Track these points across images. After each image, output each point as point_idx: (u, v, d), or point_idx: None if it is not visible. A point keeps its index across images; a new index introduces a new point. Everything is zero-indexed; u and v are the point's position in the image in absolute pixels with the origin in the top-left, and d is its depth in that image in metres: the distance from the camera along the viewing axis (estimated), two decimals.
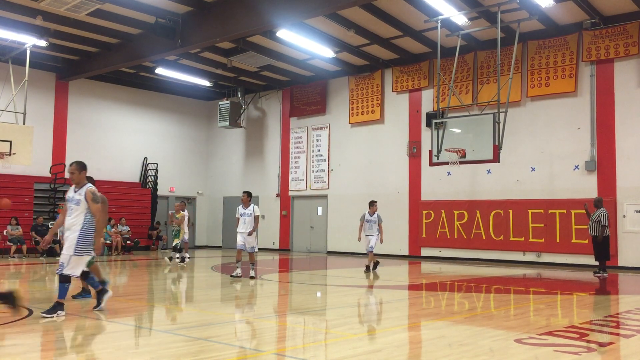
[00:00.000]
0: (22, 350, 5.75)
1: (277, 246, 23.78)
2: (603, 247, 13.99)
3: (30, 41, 17.31)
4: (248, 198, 12.78)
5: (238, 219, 12.76)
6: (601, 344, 6.14)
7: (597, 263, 14.22)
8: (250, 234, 12.46)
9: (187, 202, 20.08)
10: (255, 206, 12.77)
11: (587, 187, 16.57)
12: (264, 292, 11.40)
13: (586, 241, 16.21)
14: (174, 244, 16.79)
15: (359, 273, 13.87)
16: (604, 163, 16.41)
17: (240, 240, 12.67)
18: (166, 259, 17.35)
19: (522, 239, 17.51)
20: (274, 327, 7.30)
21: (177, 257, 16.73)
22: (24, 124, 17.59)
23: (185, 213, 18.67)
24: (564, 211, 16.74)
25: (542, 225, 17.17)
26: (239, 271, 12.68)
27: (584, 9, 15.64)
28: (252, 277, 12.48)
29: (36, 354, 5.75)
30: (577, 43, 16.89)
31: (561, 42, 17.11)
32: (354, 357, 5.45)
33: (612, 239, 15.86)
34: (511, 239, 17.74)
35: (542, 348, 5.89)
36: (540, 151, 17.47)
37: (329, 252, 22.08)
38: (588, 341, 6.30)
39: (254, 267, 12.71)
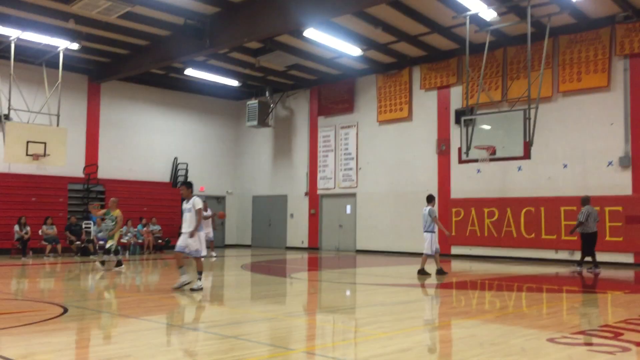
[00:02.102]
0: (56, 348, 5.87)
1: (306, 245, 23.85)
2: (586, 244, 14.29)
3: (63, 44, 17.67)
4: (188, 190, 10.32)
5: None
6: (637, 344, 6.01)
7: (589, 259, 14.41)
8: (192, 234, 10.02)
9: (217, 201, 20.19)
10: (197, 198, 10.24)
11: (621, 183, 16.24)
12: (293, 290, 11.44)
13: (621, 239, 15.98)
14: (107, 246, 14.13)
15: (388, 271, 13.78)
16: (638, 159, 16.05)
17: (180, 241, 10.26)
18: (97, 263, 14.54)
19: (555, 237, 17.23)
20: (303, 326, 7.33)
21: (112, 260, 14.43)
22: (57, 125, 17.97)
23: (209, 212, 18.85)
24: (598, 208, 16.31)
25: (575, 222, 16.86)
26: (184, 278, 10.18)
27: (617, 2, 15.32)
28: (192, 289, 10.03)
29: (70, 351, 5.86)
30: (610, 37, 16.54)
31: (593, 36, 16.78)
32: (383, 355, 5.44)
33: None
34: (543, 236, 17.47)
35: (575, 347, 5.80)
36: (573, 147, 17.17)
37: (358, 251, 22.06)
38: (623, 340, 6.18)
39: (200, 277, 10.23)
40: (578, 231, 14.42)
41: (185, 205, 10.21)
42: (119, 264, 13.98)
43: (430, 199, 13.26)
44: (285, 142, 25.08)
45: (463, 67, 18.47)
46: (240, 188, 26.77)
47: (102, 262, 14.38)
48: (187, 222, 10.10)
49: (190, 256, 10.21)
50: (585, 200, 14.60)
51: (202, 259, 10.30)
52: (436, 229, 13.02)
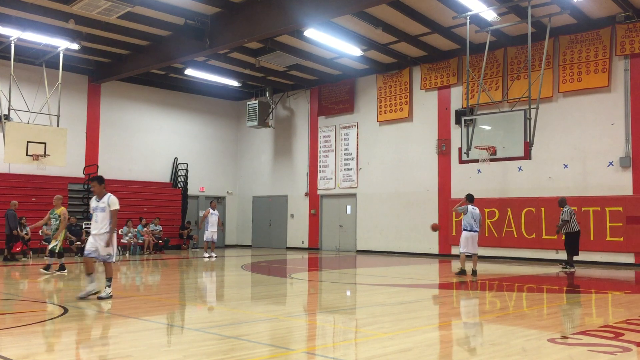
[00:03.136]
0: (56, 348, 5.86)
1: (306, 245, 23.84)
2: (573, 242, 14.85)
3: (63, 45, 17.67)
4: (101, 186, 9.12)
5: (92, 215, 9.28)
6: (637, 344, 6.00)
7: (576, 257, 15.09)
8: (107, 239, 8.95)
9: (218, 201, 20.23)
10: (112, 196, 9.07)
11: (621, 184, 16.23)
12: (293, 290, 11.43)
13: (621, 239, 15.97)
14: (50, 247, 13.33)
15: (389, 272, 13.78)
16: (639, 159, 16.04)
17: (89, 244, 9.04)
18: (41, 269, 13.43)
19: (555, 237, 17.19)
20: (304, 326, 7.32)
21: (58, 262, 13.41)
22: (57, 126, 17.97)
23: (216, 212, 18.97)
24: (598, 209, 16.41)
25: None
26: (91, 287, 9.00)
27: (617, 2, 15.32)
28: (100, 297, 8.88)
29: (70, 351, 5.86)
30: (610, 37, 16.54)
31: (594, 36, 16.78)
32: (384, 356, 5.43)
33: None
34: (544, 237, 17.46)
35: (576, 348, 5.78)
36: (573, 147, 17.16)
37: (358, 251, 22.05)
38: (624, 341, 6.17)
39: (109, 284, 9.04)
40: (562, 231, 14.92)
41: (97, 204, 9.04)
42: (62, 267, 13.18)
43: (473, 199, 13.46)
44: (286, 143, 25.07)
45: (463, 67, 18.47)
46: (241, 188, 26.77)
47: (47, 267, 13.28)
48: (99, 223, 8.96)
49: (99, 261, 9.16)
50: (563, 202, 15.11)
51: (112, 264, 9.23)
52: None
